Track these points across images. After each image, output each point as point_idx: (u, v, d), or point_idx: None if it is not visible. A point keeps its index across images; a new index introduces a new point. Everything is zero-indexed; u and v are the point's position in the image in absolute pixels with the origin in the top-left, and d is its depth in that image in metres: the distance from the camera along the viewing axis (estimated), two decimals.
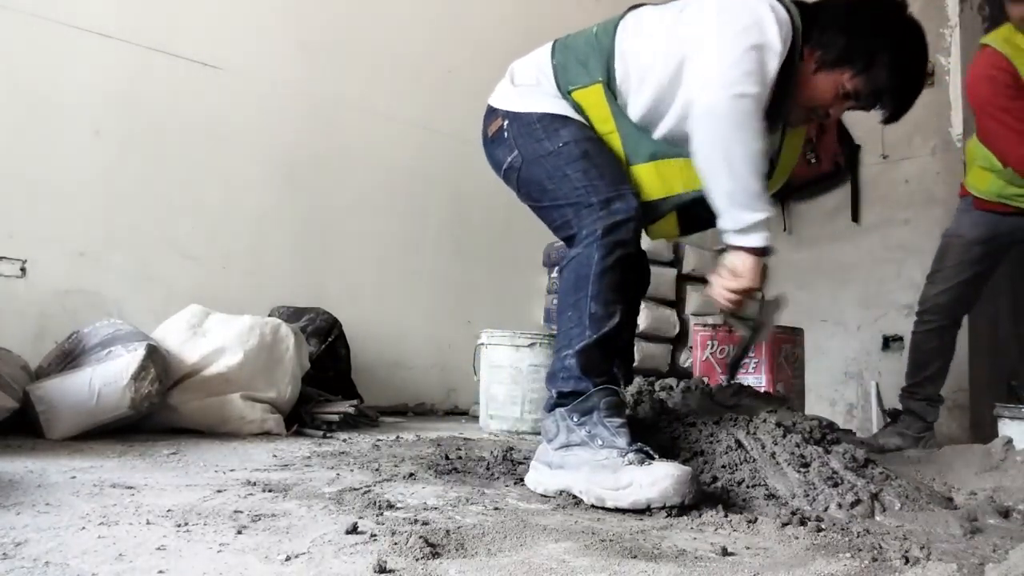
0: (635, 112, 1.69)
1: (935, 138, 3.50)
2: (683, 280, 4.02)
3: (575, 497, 1.51)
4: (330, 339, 3.00)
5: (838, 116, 1.77)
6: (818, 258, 4.02)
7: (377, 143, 3.53)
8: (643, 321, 3.74)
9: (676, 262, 4.01)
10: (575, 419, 1.56)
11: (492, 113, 1.81)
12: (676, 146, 1.65)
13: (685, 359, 3.91)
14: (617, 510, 1.41)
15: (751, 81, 1.53)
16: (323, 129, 3.39)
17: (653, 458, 1.47)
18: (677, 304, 4.01)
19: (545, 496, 1.54)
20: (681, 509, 1.38)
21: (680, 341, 3.97)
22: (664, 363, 3.94)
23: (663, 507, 1.37)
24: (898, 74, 1.65)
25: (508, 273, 3.83)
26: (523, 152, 1.72)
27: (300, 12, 3.34)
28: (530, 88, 1.75)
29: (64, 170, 2.73)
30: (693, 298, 3.95)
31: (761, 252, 1.58)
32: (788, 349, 2.80)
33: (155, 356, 2.15)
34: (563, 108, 1.70)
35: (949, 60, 3.52)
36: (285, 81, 3.28)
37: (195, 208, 3.01)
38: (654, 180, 1.67)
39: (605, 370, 1.60)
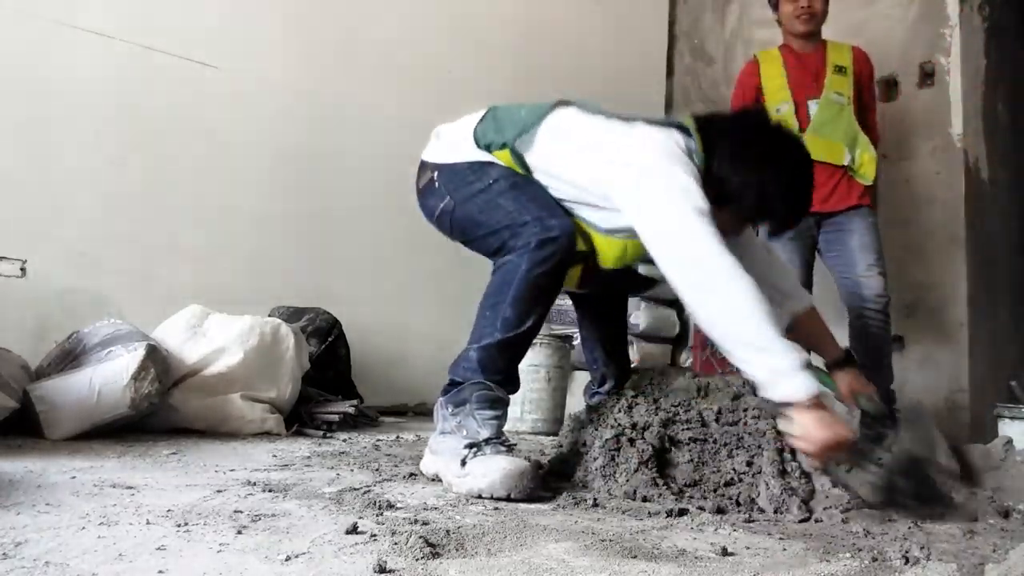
0: (539, 177, 1.77)
1: (935, 138, 3.50)
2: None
3: (574, 497, 1.52)
4: (330, 339, 3.00)
5: (739, 233, 1.79)
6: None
7: (377, 143, 3.53)
8: (643, 321, 3.74)
9: None
10: (450, 409, 1.70)
11: (423, 167, 1.96)
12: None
13: (685, 359, 3.91)
14: (493, 498, 1.50)
15: (692, 196, 1.58)
16: (323, 129, 3.38)
17: (511, 451, 1.60)
18: (677, 304, 4.00)
19: (428, 477, 1.69)
20: (535, 500, 1.49)
21: (680, 341, 3.97)
22: (664, 363, 3.94)
23: (491, 496, 1.49)
24: (788, 198, 1.74)
25: None
26: (454, 196, 1.84)
27: (300, 12, 3.34)
28: (455, 144, 1.89)
29: (64, 170, 2.73)
30: None
31: (809, 404, 1.46)
32: None
33: (155, 356, 2.15)
34: (488, 157, 1.81)
35: (949, 60, 3.51)
36: (285, 81, 3.28)
37: (195, 208, 3.01)
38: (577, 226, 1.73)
39: (502, 369, 1.70)
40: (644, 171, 1.64)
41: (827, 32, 3.13)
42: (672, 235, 1.59)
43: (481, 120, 1.87)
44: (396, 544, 1.09)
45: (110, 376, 2.07)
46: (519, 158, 1.77)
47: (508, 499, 1.49)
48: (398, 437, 2.49)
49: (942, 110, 3.51)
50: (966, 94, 3.48)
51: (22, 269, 2.63)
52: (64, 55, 2.73)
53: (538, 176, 1.77)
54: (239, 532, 1.15)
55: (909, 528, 1.43)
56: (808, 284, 3.03)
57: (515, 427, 2.88)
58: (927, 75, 3.57)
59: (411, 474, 1.74)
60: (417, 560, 1.04)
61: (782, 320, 1.87)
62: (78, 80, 2.77)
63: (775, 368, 1.48)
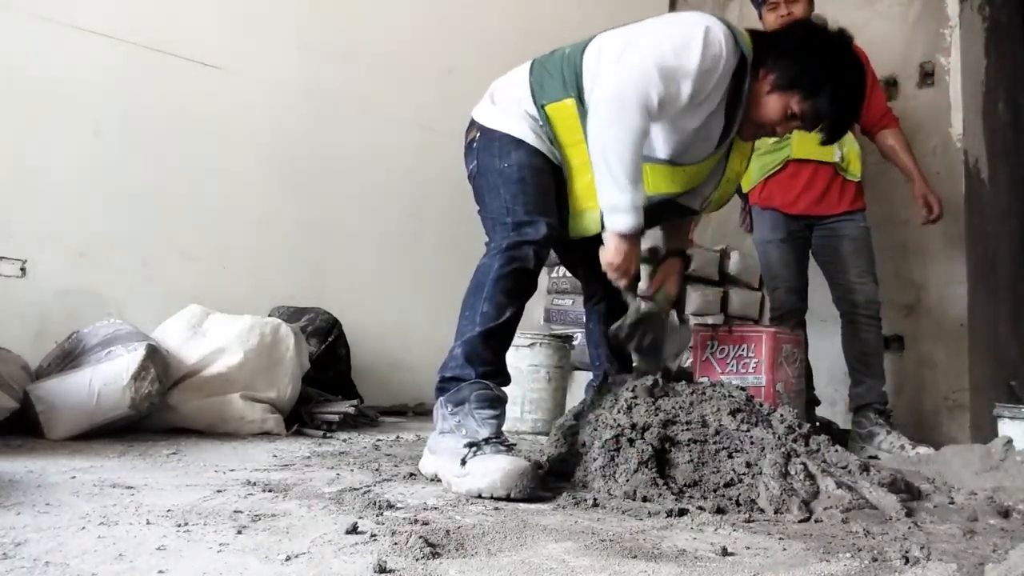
0: None
1: (935, 138, 3.50)
2: (683, 280, 4.02)
3: (574, 497, 1.53)
4: (330, 339, 3.00)
5: (783, 135, 1.92)
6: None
7: (377, 143, 3.53)
8: None
9: None
10: (449, 409, 1.72)
11: (471, 125, 2.02)
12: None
13: (685, 359, 3.91)
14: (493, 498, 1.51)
15: (653, 86, 1.67)
16: (323, 129, 3.38)
17: (511, 451, 1.62)
18: (677, 304, 4.01)
19: (427, 477, 1.70)
20: (531, 500, 1.50)
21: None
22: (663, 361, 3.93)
23: (491, 496, 1.49)
24: (839, 103, 1.81)
25: None
26: (480, 163, 1.93)
27: (300, 12, 3.33)
28: (505, 107, 1.93)
29: (64, 170, 2.73)
30: (693, 298, 3.95)
31: (624, 236, 1.73)
32: (788, 349, 2.80)
33: (155, 356, 2.15)
34: (525, 132, 1.86)
35: (949, 60, 3.51)
36: (285, 81, 3.28)
37: (195, 208, 3.01)
38: None
39: (489, 360, 1.75)
40: (663, 25, 1.80)
41: None
42: (624, 79, 1.70)
43: (532, 76, 1.91)
44: (396, 544, 1.09)
45: (110, 376, 2.07)
46: (581, 102, 1.81)
47: (508, 499, 1.49)
48: (398, 437, 2.49)
49: (942, 110, 3.51)
50: (966, 94, 3.48)
51: (22, 269, 2.63)
52: (64, 55, 2.73)
53: (590, 102, 1.80)
54: (239, 532, 1.15)
55: (909, 528, 1.43)
56: (804, 286, 3.05)
57: (515, 427, 2.88)
58: (927, 75, 3.57)
59: (411, 474, 1.74)
60: (417, 560, 1.04)
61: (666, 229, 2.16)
62: (78, 80, 2.77)
63: (618, 200, 1.71)
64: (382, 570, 0.98)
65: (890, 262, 3.43)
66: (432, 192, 3.69)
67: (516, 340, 2.93)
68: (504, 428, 2.83)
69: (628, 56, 1.74)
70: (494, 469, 1.51)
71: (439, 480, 1.66)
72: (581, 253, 2.04)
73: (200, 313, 2.46)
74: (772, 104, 1.82)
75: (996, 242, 3.69)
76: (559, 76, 1.86)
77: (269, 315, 2.78)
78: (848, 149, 2.94)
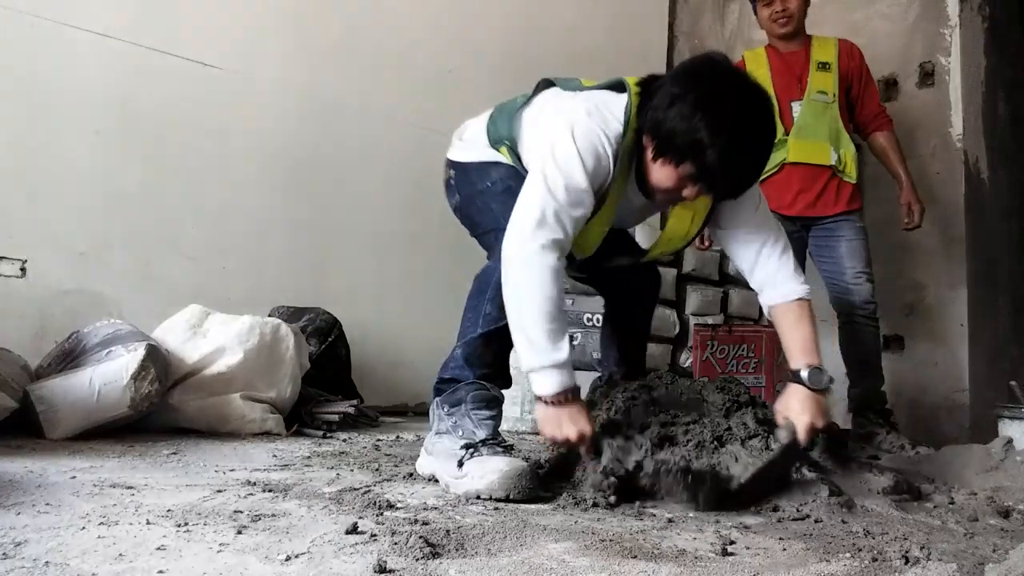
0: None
1: (935, 138, 3.50)
2: (683, 280, 4.02)
3: (574, 497, 1.52)
4: (330, 339, 3.00)
5: (692, 198, 1.64)
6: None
7: (377, 143, 3.53)
8: None
9: (676, 262, 4.01)
10: (446, 409, 1.70)
11: (446, 166, 2.03)
12: None
13: (685, 359, 3.91)
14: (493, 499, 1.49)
15: (554, 228, 1.56)
16: (323, 129, 3.38)
17: (508, 451, 1.62)
18: (677, 304, 4.01)
19: (425, 477, 1.69)
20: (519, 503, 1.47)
21: (680, 341, 3.97)
22: (664, 363, 3.94)
23: (490, 498, 1.48)
24: (728, 156, 1.52)
25: None
26: (461, 194, 1.95)
27: (300, 12, 3.33)
28: (471, 141, 1.96)
29: (64, 170, 2.73)
30: (693, 298, 3.95)
31: (549, 401, 1.56)
32: None
33: (155, 356, 2.15)
34: (496, 156, 1.86)
35: (949, 60, 3.51)
36: (285, 81, 3.28)
37: (195, 208, 3.01)
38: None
39: (488, 362, 1.72)
40: (540, 167, 1.62)
41: (827, 32, 3.13)
42: (515, 235, 1.59)
43: (490, 118, 1.94)
44: (396, 544, 1.09)
45: (110, 376, 2.07)
46: (514, 150, 1.83)
47: (507, 500, 1.48)
48: (398, 437, 2.49)
49: (942, 110, 3.51)
50: (966, 94, 3.48)
51: (22, 269, 2.63)
52: (64, 55, 2.73)
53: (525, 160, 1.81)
54: (239, 532, 1.15)
55: (909, 528, 1.43)
56: None
57: (515, 427, 2.88)
58: (927, 75, 3.57)
59: (411, 474, 1.74)
60: (417, 560, 1.04)
61: (763, 303, 1.85)
62: (78, 80, 2.77)
63: (533, 363, 1.56)
64: (382, 570, 0.98)
65: (890, 262, 3.44)
66: (432, 192, 3.65)
67: None
68: (504, 428, 2.87)
69: (529, 187, 1.62)
70: (492, 470, 1.51)
71: (436, 480, 1.65)
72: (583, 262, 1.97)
73: (200, 313, 2.46)
74: (659, 174, 1.62)
75: (996, 242, 3.69)
76: (503, 124, 1.87)
77: (269, 315, 2.77)
78: (844, 151, 2.94)
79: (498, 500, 1.49)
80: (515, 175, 1.79)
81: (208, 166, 3.05)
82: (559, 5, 4.16)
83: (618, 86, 1.74)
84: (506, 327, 1.66)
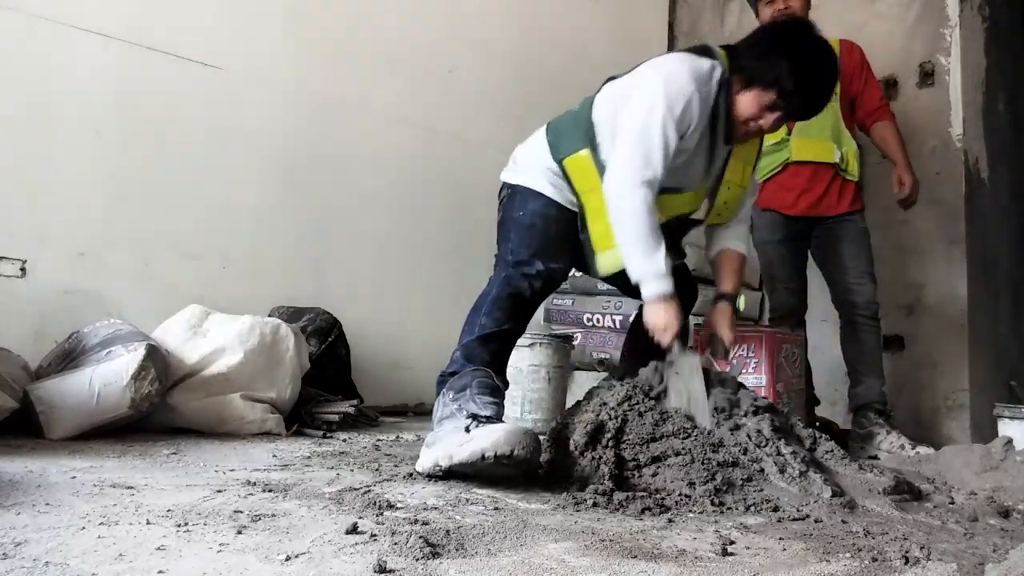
0: None
1: (935, 138, 3.50)
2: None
3: (574, 497, 1.51)
4: (330, 339, 3.00)
5: (768, 126, 2.00)
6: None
7: (377, 143, 3.53)
8: None
9: None
10: (451, 396, 1.79)
11: (502, 187, 2.18)
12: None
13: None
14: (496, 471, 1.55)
15: (647, 168, 1.85)
16: (323, 129, 3.38)
17: None
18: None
19: (424, 474, 1.68)
20: (523, 464, 1.54)
21: (680, 341, 3.97)
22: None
23: (495, 456, 1.51)
24: (800, 80, 1.91)
25: None
26: (502, 214, 2.13)
27: (300, 12, 3.33)
28: (526, 166, 2.10)
29: (64, 170, 2.73)
30: None
31: (659, 299, 1.86)
32: (788, 349, 2.80)
33: (155, 356, 2.15)
34: (543, 185, 2.02)
35: (949, 60, 3.51)
36: (285, 81, 3.28)
37: (195, 208, 3.01)
38: None
39: (487, 361, 1.87)
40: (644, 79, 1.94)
41: (827, 33, 3.13)
42: (620, 177, 1.87)
43: (549, 132, 2.08)
44: (396, 544, 1.09)
45: (110, 376, 2.07)
46: (598, 160, 1.96)
47: (511, 456, 1.50)
48: (398, 437, 2.49)
49: (942, 110, 3.51)
50: (966, 94, 3.48)
51: (22, 269, 2.63)
52: (64, 55, 2.73)
53: (605, 151, 1.95)
54: (239, 532, 1.15)
55: (909, 528, 1.43)
56: (802, 287, 3.06)
57: None
58: (927, 75, 3.57)
59: (411, 474, 1.73)
60: (417, 560, 1.04)
61: (712, 251, 2.33)
62: (78, 80, 2.76)
63: (642, 273, 1.86)
64: (382, 570, 0.98)
65: (890, 262, 3.43)
66: (432, 192, 3.69)
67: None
68: None
69: (625, 134, 1.89)
70: (497, 430, 1.55)
71: (438, 474, 1.65)
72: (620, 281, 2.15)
73: (200, 313, 2.46)
74: (744, 103, 1.96)
75: (996, 242, 3.69)
76: (572, 131, 2.02)
77: (269, 315, 2.78)
78: (846, 149, 2.95)
79: (503, 458, 1.51)
80: (547, 215, 2.00)
81: (208, 166, 3.06)
82: (559, 5, 4.16)
83: (700, 50, 2.00)
84: (502, 333, 1.90)
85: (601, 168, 1.94)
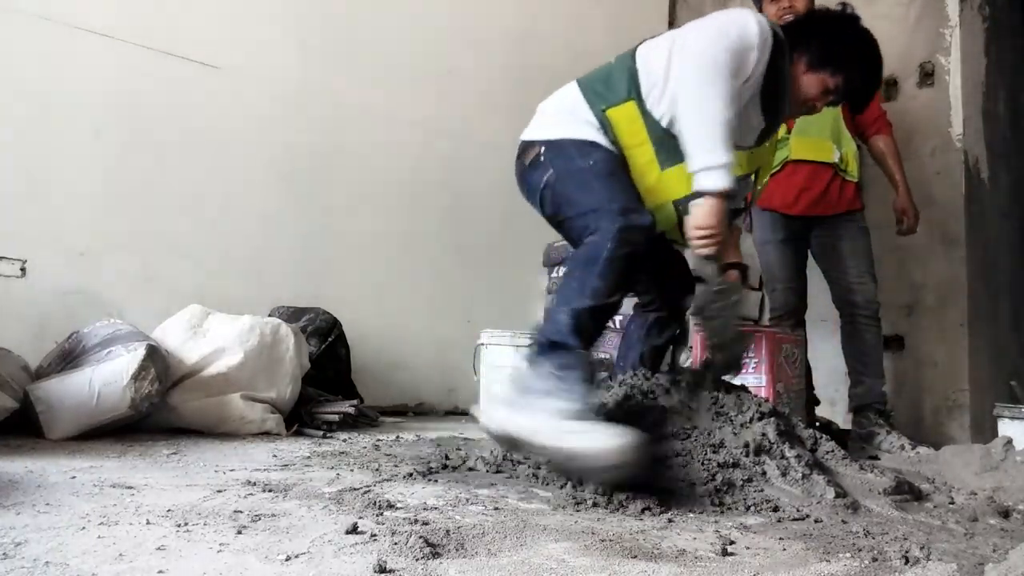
0: (663, 118, 1.83)
1: (935, 138, 3.49)
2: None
3: (574, 497, 1.51)
4: (330, 339, 3.00)
5: (818, 110, 2.03)
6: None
7: (377, 143, 3.53)
8: None
9: None
10: (553, 369, 1.60)
11: (530, 146, 1.96)
12: None
13: (685, 359, 3.91)
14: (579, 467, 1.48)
15: (730, 54, 1.74)
16: (323, 129, 3.38)
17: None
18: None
19: (490, 432, 1.60)
20: (626, 478, 1.46)
21: (680, 341, 3.97)
22: (664, 363, 3.93)
23: (599, 463, 1.44)
24: (866, 72, 1.99)
25: (508, 273, 3.83)
26: (557, 169, 1.87)
27: (300, 12, 3.34)
28: (561, 118, 1.93)
29: (64, 170, 2.73)
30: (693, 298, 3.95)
31: (721, 195, 1.71)
32: (788, 349, 2.80)
33: (155, 356, 2.15)
34: (592, 135, 1.86)
35: (949, 60, 3.51)
36: (285, 81, 3.28)
37: (195, 208, 3.01)
38: (681, 181, 1.82)
39: (592, 337, 1.71)
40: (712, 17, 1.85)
41: None
42: (707, 45, 1.75)
43: (580, 87, 1.94)
44: (396, 544, 1.09)
45: (110, 376, 2.07)
46: (644, 110, 1.83)
47: (616, 469, 1.44)
48: (398, 437, 2.49)
49: (942, 110, 3.51)
50: (966, 94, 3.48)
51: (22, 269, 2.63)
52: (65, 56, 2.73)
53: (651, 100, 1.83)
54: (239, 532, 1.15)
55: (909, 528, 1.43)
56: (803, 286, 3.05)
57: None
58: (927, 75, 3.57)
59: (411, 474, 1.73)
60: (417, 560, 1.04)
61: None
62: (79, 80, 2.77)
63: (708, 162, 1.71)
64: (382, 570, 0.98)
65: (890, 262, 3.43)
66: (432, 192, 3.69)
67: (516, 340, 2.94)
68: None
69: (698, 34, 1.79)
70: (621, 433, 1.43)
71: (501, 437, 1.58)
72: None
73: (200, 313, 2.46)
74: (808, 82, 1.95)
75: (996, 242, 3.69)
76: (614, 81, 1.88)
77: (269, 315, 2.78)
78: (846, 149, 2.95)
79: (608, 467, 1.44)
80: (615, 160, 1.84)
81: (208, 166, 3.06)
82: (559, 5, 4.16)
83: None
84: (610, 306, 1.70)
85: (649, 119, 1.82)
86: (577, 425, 1.47)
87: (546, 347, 1.65)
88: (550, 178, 1.89)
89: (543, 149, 1.92)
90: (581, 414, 1.50)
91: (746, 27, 1.78)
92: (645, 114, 1.83)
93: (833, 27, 2.01)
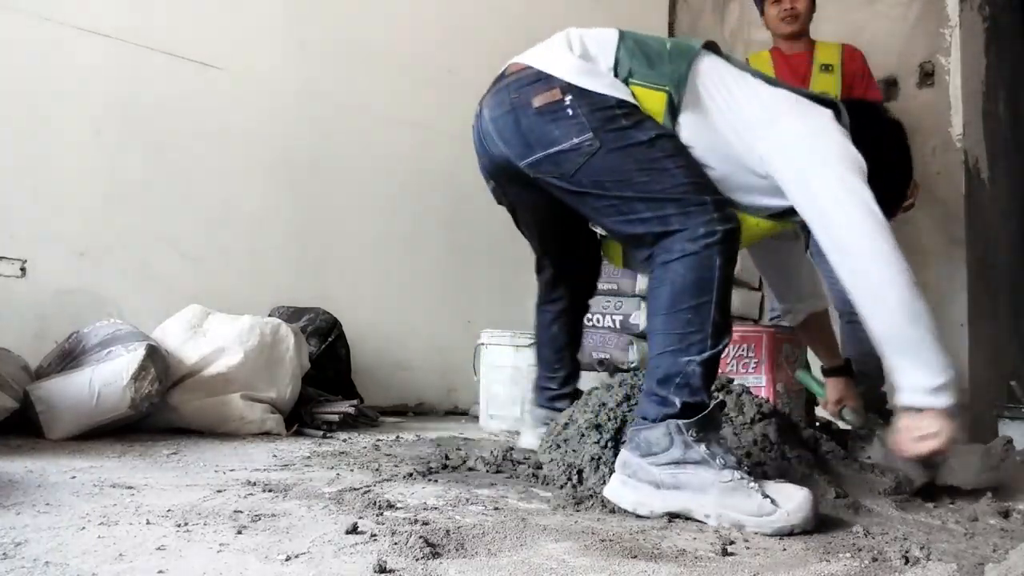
0: (685, 139, 1.57)
1: (935, 138, 3.50)
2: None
3: (574, 497, 1.51)
4: (330, 339, 3.00)
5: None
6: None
7: (377, 143, 3.53)
8: (643, 321, 3.74)
9: None
10: (693, 434, 1.38)
11: (544, 80, 1.56)
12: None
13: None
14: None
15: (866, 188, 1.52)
16: (323, 129, 3.38)
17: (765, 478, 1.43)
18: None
19: (647, 518, 1.39)
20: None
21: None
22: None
23: (803, 532, 1.31)
24: (900, 190, 1.80)
25: (508, 273, 3.82)
26: (602, 137, 1.49)
27: (300, 12, 3.33)
28: (593, 66, 1.59)
29: (64, 170, 2.73)
30: None
31: (948, 412, 1.48)
32: (788, 349, 2.80)
33: (155, 356, 2.15)
34: (635, 101, 1.54)
35: (949, 60, 3.52)
36: (285, 81, 3.28)
37: (195, 208, 3.01)
38: None
39: (712, 383, 1.49)
40: (824, 159, 1.52)
41: (827, 32, 3.14)
42: (849, 227, 1.52)
43: (620, 41, 1.63)
44: (396, 544, 1.09)
45: (110, 376, 2.07)
46: (673, 110, 1.53)
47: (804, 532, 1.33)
48: (398, 437, 2.49)
49: (942, 110, 3.51)
50: (966, 94, 3.48)
51: (22, 269, 2.63)
52: (64, 55, 2.73)
53: (684, 120, 1.54)
54: (239, 532, 1.15)
55: (909, 528, 1.43)
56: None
57: (515, 427, 2.87)
58: (927, 75, 3.57)
59: (411, 474, 1.73)
60: (417, 560, 1.04)
61: (798, 316, 2.08)
62: (78, 80, 2.77)
63: (939, 380, 1.46)
64: (382, 570, 0.98)
65: None
66: (432, 192, 3.69)
67: (516, 340, 2.94)
68: (505, 428, 2.87)
69: (836, 183, 1.51)
70: (804, 501, 1.32)
71: (682, 516, 1.38)
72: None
73: (200, 313, 2.46)
74: None
75: (996, 242, 3.69)
76: (657, 64, 1.57)
77: (269, 315, 2.78)
78: None
79: (806, 533, 1.32)
80: (675, 137, 1.54)
81: (208, 166, 3.06)
82: (559, 5, 4.16)
83: (829, 104, 1.66)
84: (727, 344, 1.45)
85: (667, 121, 1.53)
86: (756, 500, 1.33)
87: (686, 409, 1.40)
88: (586, 144, 1.49)
89: (569, 98, 1.52)
90: (741, 478, 1.35)
91: (861, 163, 1.54)
92: (668, 116, 1.54)
93: (889, 138, 1.79)
